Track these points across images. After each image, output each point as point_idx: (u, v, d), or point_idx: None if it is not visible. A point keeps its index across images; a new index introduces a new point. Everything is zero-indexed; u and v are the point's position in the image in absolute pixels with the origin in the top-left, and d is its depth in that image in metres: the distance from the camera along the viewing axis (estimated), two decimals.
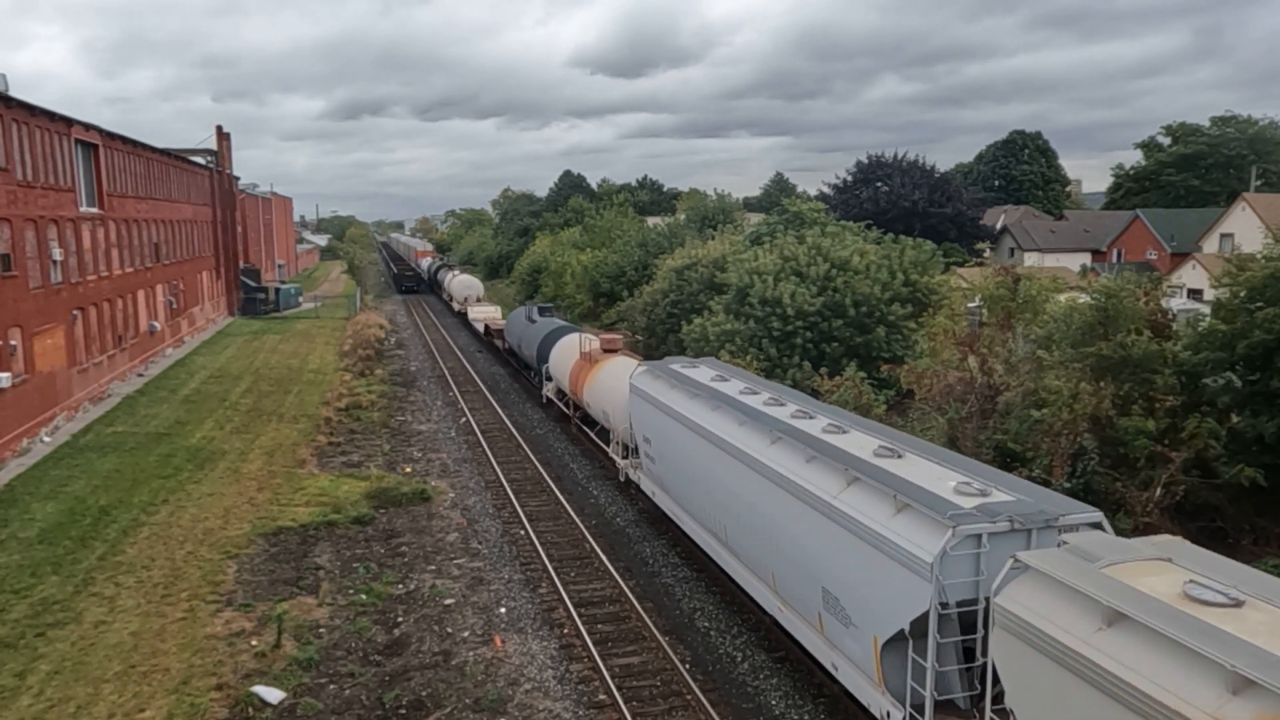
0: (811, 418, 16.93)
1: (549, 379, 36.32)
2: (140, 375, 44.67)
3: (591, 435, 31.96)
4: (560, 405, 35.52)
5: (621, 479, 26.12)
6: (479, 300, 68.14)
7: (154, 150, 53.17)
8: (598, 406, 28.71)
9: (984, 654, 11.14)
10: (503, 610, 19.03)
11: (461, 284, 71.96)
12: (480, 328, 57.06)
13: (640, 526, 24.04)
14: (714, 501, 18.31)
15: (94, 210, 41.21)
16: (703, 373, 21.95)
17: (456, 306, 70.81)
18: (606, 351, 30.31)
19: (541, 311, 42.72)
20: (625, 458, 25.57)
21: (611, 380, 27.43)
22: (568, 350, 33.43)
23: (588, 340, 32.16)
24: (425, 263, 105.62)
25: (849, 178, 74.99)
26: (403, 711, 15.23)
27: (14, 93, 32.55)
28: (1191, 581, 9.35)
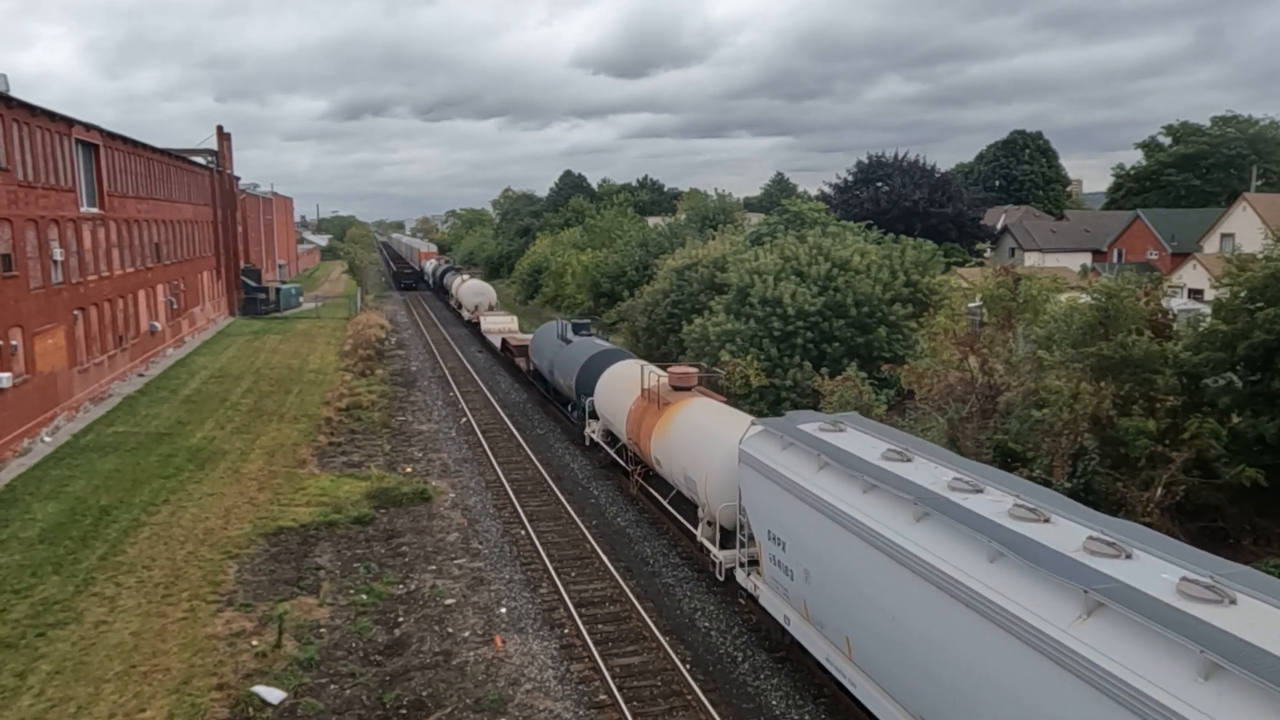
0: (1128, 556, 10.05)
1: (594, 417, 29.37)
2: (141, 375, 44.70)
3: (663, 501, 23.35)
4: (609, 450, 28.07)
5: (720, 577, 19.13)
6: (492, 309, 61.87)
7: (155, 150, 53.21)
8: (674, 466, 21.51)
9: None
10: (503, 610, 19.04)
11: (472, 290, 65.58)
12: (496, 342, 50.46)
13: (641, 527, 24.02)
14: (938, 682, 11.29)
15: (95, 210, 41.23)
16: (857, 440, 15.16)
17: (467, 315, 64.59)
18: (677, 390, 23.39)
19: (577, 329, 35.21)
20: (723, 547, 18.96)
21: (693, 432, 20.74)
22: (621, 384, 26.57)
23: (650, 373, 25.01)
24: (430, 265, 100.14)
25: (850, 178, 74.97)
26: (403, 711, 15.24)
27: (16, 93, 32.60)
28: None
